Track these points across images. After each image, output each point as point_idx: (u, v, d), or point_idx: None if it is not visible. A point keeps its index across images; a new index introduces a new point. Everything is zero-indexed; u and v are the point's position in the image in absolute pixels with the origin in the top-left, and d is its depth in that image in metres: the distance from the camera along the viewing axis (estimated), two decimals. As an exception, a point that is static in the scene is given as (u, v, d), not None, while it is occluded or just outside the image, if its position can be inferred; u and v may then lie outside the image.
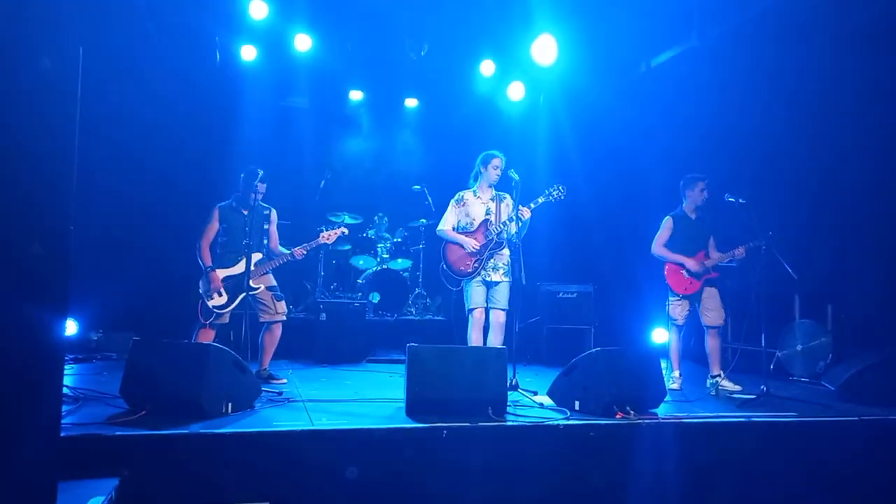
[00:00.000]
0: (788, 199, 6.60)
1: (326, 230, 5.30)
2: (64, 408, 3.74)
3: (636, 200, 8.12)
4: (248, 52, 7.54)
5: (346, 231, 5.43)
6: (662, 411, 4.26)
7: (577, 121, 8.30)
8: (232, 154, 7.16)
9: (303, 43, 7.45)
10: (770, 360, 6.18)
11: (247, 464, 3.25)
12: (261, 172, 5.15)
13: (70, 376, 5.08)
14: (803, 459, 4.04)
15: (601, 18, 7.00)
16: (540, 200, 5.13)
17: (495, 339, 5.11)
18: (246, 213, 5.18)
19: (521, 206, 5.06)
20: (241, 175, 5.25)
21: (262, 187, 5.20)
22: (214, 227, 5.15)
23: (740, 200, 5.25)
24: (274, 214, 5.31)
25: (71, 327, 6.32)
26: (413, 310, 7.93)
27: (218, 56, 7.26)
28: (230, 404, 3.75)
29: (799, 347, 6.14)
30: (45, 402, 2.83)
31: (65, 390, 4.11)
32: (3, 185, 2.51)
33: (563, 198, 5.13)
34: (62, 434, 3.02)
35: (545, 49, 7.17)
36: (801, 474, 4.02)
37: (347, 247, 8.13)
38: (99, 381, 4.84)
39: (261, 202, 5.27)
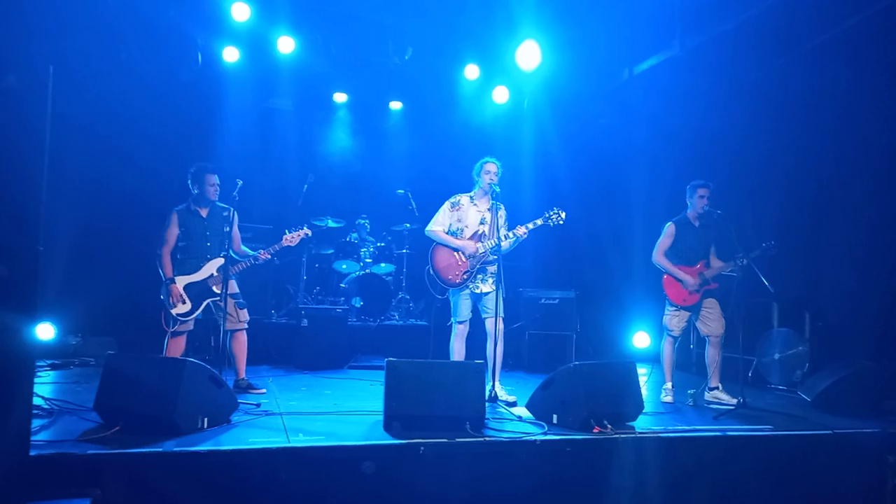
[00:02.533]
0: (767, 207, 6.67)
1: (289, 232, 5.21)
2: (37, 422, 3.71)
3: (619, 206, 8.18)
4: (231, 54, 7.48)
5: (309, 233, 5.27)
6: (640, 425, 4.28)
7: (561, 125, 8.33)
8: (214, 157, 7.06)
9: (286, 45, 7.40)
10: (748, 368, 6.25)
11: (221, 483, 3.23)
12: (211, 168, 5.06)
13: (46, 384, 5.03)
14: (778, 473, 4.10)
15: (585, 24, 7.02)
16: (538, 223, 5.00)
17: (499, 348, 4.92)
18: (204, 214, 5.08)
19: (518, 226, 4.99)
20: (190, 171, 5.09)
21: (213, 179, 5.04)
22: (174, 231, 4.97)
23: (717, 211, 5.28)
24: (234, 215, 5.07)
25: (49, 331, 6.26)
26: (396, 314, 7.92)
27: (200, 58, 7.18)
28: (206, 419, 3.73)
29: (777, 356, 6.20)
30: (14, 421, 2.80)
31: (39, 401, 4.09)
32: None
33: (561, 222, 5.00)
34: (32, 453, 3.00)
35: (529, 54, 7.19)
36: (776, 487, 4.08)
37: (330, 251, 8.10)
38: (74, 391, 4.78)
39: (218, 203, 5.13)
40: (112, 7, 6.08)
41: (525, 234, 5.01)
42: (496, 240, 4.95)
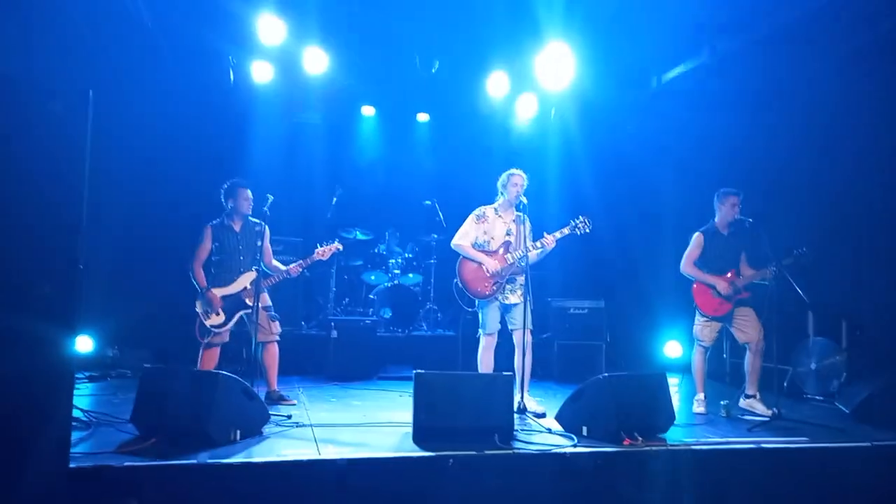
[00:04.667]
0: (802, 215, 6.54)
1: (320, 246, 5.29)
2: (76, 434, 3.81)
3: (648, 215, 8.10)
4: (262, 71, 7.61)
5: (340, 247, 5.36)
6: (672, 437, 4.23)
7: (589, 135, 8.29)
8: (245, 172, 7.19)
9: (316, 61, 7.50)
10: (783, 378, 6.12)
11: (253, 494, 3.29)
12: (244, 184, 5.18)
13: (84, 397, 5.17)
14: (815, 487, 3.99)
15: (612, 33, 6.98)
16: (566, 231, 4.99)
17: (527, 360, 4.90)
18: (237, 229, 5.20)
19: (546, 234, 4.98)
20: (224, 187, 5.21)
21: (246, 194, 5.15)
22: (207, 246, 5.11)
23: (749, 220, 5.20)
24: (266, 230, 5.18)
25: (87, 344, 6.42)
26: (424, 325, 7.96)
27: (232, 76, 7.34)
28: (238, 431, 3.80)
29: (813, 366, 6.07)
30: (55, 434, 2.89)
31: (78, 413, 4.21)
32: (16, 228, 2.58)
33: (588, 231, 5.00)
34: (72, 465, 3.10)
35: (556, 64, 7.16)
36: (814, 502, 3.98)
37: (359, 262, 8.19)
38: (112, 403, 4.91)
39: (251, 217, 5.24)
40: (151, 30, 6.24)
41: (553, 243, 4.99)
42: (523, 250, 4.95)
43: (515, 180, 5.13)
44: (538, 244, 4.99)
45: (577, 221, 5.02)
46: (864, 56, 5.88)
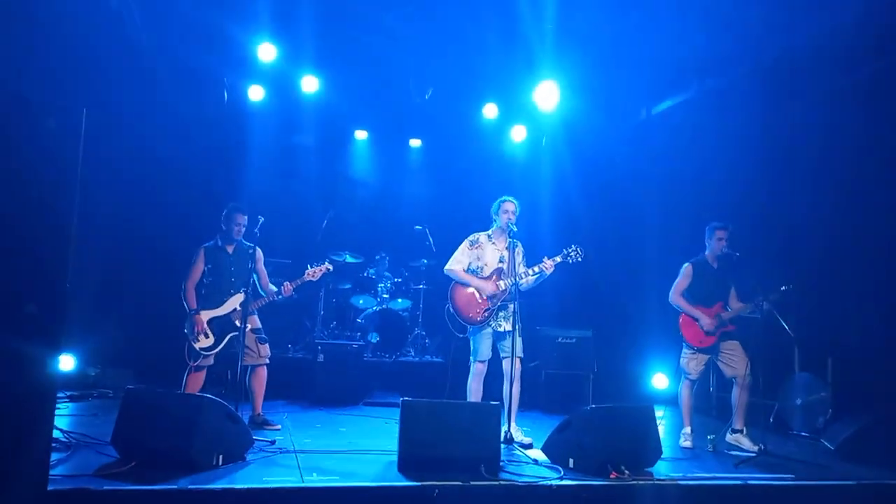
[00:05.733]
0: (788, 249, 6.61)
1: (311, 267, 5.28)
2: (55, 455, 3.73)
3: (635, 244, 8.15)
4: (256, 93, 7.67)
5: (330, 268, 5.36)
6: (658, 471, 4.21)
7: (579, 164, 8.37)
8: (235, 193, 7.20)
9: (309, 84, 7.58)
10: (769, 413, 6.13)
11: (234, 522, 3.23)
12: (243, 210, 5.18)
13: (64, 417, 5.07)
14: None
15: (603, 65, 7.10)
16: (558, 259, 5.01)
17: (515, 389, 4.88)
18: (230, 251, 5.19)
19: (545, 259, 4.98)
20: (223, 212, 5.23)
21: (239, 218, 5.15)
22: (200, 267, 5.11)
23: (736, 254, 5.25)
24: (259, 253, 5.22)
25: (69, 362, 6.32)
26: (412, 350, 7.91)
27: (226, 96, 7.37)
28: (221, 456, 3.74)
29: (798, 401, 6.07)
30: (34, 456, 2.83)
31: (58, 434, 4.12)
32: (2, 245, 2.55)
33: (580, 260, 5.03)
34: (50, 487, 3.03)
35: (548, 94, 7.26)
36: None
37: (348, 285, 8.15)
38: (93, 424, 4.81)
39: (244, 241, 5.25)
40: (147, 49, 6.28)
41: (552, 268, 5.00)
42: (515, 277, 4.98)
43: (507, 207, 5.18)
44: (536, 269, 5.01)
45: (570, 250, 5.05)
46: (846, 96, 6.02)
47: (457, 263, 5.21)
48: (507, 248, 5.19)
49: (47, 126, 2.67)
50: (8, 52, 4.32)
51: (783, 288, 5.10)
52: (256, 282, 5.22)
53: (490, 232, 5.30)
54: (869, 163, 6.04)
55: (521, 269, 5.06)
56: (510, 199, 5.22)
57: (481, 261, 5.20)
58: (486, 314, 5.04)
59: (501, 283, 5.08)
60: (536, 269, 5.00)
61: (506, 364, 5.01)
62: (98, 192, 6.29)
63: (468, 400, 5.00)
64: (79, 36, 5.29)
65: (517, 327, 4.93)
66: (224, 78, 7.37)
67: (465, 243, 5.28)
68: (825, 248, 6.43)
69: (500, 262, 5.18)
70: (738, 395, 5.31)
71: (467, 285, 5.11)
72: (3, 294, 2.66)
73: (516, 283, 4.96)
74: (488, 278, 5.13)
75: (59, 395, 5.77)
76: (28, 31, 4.75)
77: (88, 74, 5.20)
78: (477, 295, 5.07)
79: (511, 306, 5.04)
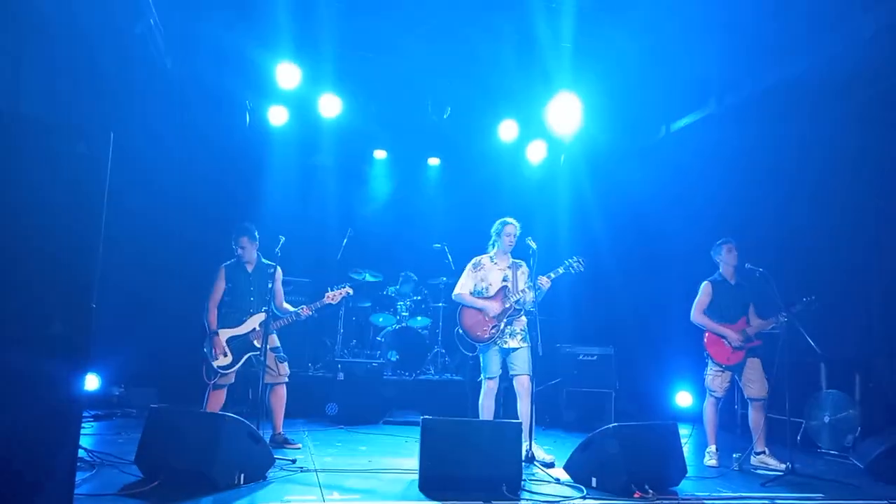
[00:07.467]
0: (813, 266, 6.51)
1: (331, 290, 5.32)
2: (80, 475, 3.77)
3: (657, 262, 8.09)
4: (277, 114, 7.79)
5: (350, 291, 5.41)
6: (683, 490, 4.14)
7: (598, 181, 8.37)
8: (256, 213, 7.30)
9: (330, 106, 7.67)
10: (796, 431, 6.00)
11: (256, 541, 3.23)
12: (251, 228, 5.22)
13: (89, 436, 5.13)
14: (831, 546, 3.89)
15: (622, 83, 7.12)
16: (560, 271, 5.12)
17: (523, 406, 4.93)
18: (250, 270, 5.23)
19: (540, 276, 5.05)
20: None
21: (244, 241, 5.15)
22: (221, 286, 5.14)
23: (759, 269, 5.19)
24: (279, 272, 5.23)
25: (94, 382, 6.40)
26: (431, 368, 7.89)
27: (248, 119, 7.49)
28: (243, 475, 3.75)
29: (826, 419, 5.95)
30: (59, 475, 2.86)
31: (82, 453, 4.17)
32: (30, 265, 2.61)
33: (582, 270, 5.14)
34: (75, 506, 3.05)
35: (566, 112, 7.27)
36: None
37: (368, 304, 8.18)
38: (116, 443, 4.87)
39: (263, 259, 5.29)
40: (172, 74, 6.43)
41: (548, 284, 5.08)
42: (519, 294, 5.12)
43: (508, 230, 5.27)
44: (532, 284, 5.04)
45: (571, 261, 5.15)
46: (872, 108, 5.95)
47: (462, 288, 5.35)
48: (509, 268, 5.32)
49: (78, 150, 2.73)
50: (40, 80, 4.46)
51: (805, 299, 5.03)
52: (272, 300, 5.20)
53: (492, 254, 5.39)
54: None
55: (521, 285, 5.20)
56: (511, 221, 5.32)
57: (485, 282, 5.31)
58: (492, 331, 5.12)
59: (507, 301, 5.15)
60: (533, 284, 5.06)
61: (516, 382, 5.07)
62: (123, 213, 6.40)
63: (480, 418, 5.03)
64: (105, 62, 5.44)
65: (530, 345, 5.02)
66: (246, 101, 7.49)
67: (469, 267, 5.42)
68: (850, 265, 6.32)
69: (504, 280, 5.28)
70: (754, 418, 5.24)
71: (474, 307, 5.21)
72: (30, 314, 2.71)
73: (518, 300, 5.08)
74: (493, 297, 5.22)
75: (84, 414, 5.84)
76: (58, 60, 4.91)
77: (116, 99, 5.35)
78: (483, 314, 5.17)
79: (518, 324, 5.11)
